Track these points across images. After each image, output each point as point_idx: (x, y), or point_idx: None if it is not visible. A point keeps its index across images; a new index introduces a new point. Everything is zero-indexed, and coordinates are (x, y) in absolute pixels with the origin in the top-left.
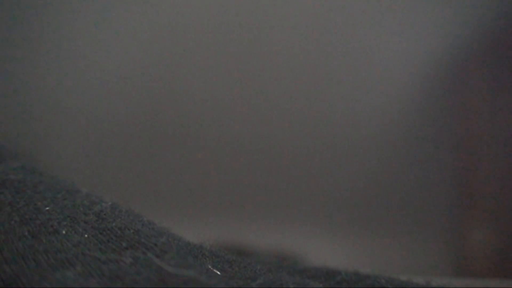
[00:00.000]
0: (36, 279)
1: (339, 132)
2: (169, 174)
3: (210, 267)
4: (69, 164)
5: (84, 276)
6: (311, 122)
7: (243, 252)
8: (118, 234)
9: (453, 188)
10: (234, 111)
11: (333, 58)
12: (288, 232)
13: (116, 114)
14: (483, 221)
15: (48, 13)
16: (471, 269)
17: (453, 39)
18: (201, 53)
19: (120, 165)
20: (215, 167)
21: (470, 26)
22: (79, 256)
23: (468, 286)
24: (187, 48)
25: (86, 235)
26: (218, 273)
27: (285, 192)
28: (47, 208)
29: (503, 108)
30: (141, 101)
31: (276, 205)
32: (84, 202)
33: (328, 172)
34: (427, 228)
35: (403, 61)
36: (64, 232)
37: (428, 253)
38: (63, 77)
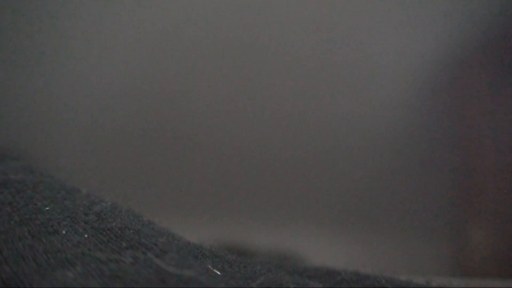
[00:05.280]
0: (36, 279)
1: (339, 132)
2: (169, 174)
3: (210, 267)
4: (69, 164)
5: (84, 276)
6: (311, 122)
7: (243, 252)
8: (118, 234)
9: (453, 188)
10: (234, 111)
11: (333, 58)
12: (288, 232)
13: (116, 114)
14: (483, 221)
15: (48, 13)
16: (471, 269)
17: (453, 39)
18: (201, 53)
19: (120, 165)
20: (215, 167)
21: (470, 26)
22: (79, 256)
23: (468, 286)
24: (187, 48)
25: (86, 235)
26: (218, 273)
27: (285, 192)
28: (47, 208)
29: (503, 108)
30: (141, 101)
31: (276, 205)
32: (84, 202)
33: (328, 172)
34: (427, 228)
35: (403, 61)
36: (64, 232)
37: (428, 253)
38: (63, 77)
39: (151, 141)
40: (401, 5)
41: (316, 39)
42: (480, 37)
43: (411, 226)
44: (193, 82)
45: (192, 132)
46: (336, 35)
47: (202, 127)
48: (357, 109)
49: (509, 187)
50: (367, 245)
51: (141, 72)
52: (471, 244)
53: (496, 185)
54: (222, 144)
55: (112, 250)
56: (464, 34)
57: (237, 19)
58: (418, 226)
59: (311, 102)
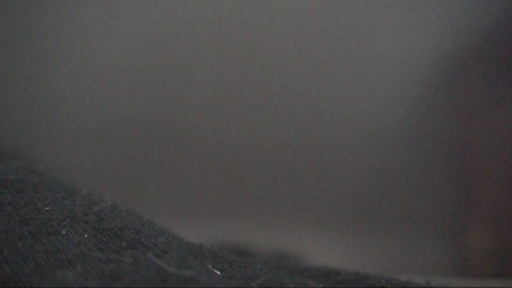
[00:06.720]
0: (36, 279)
1: (339, 132)
2: (169, 174)
3: (210, 267)
4: (69, 164)
5: (84, 276)
6: (311, 122)
7: (243, 252)
8: (118, 234)
9: (453, 188)
10: (234, 112)
11: (332, 58)
12: (288, 232)
13: (116, 114)
14: (483, 221)
15: (48, 13)
16: (471, 269)
17: (453, 39)
18: (201, 53)
19: (120, 165)
20: (215, 167)
21: (470, 26)
22: (79, 256)
23: (468, 286)
24: (187, 48)
25: (86, 235)
26: (218, 273)
27: (285, 192)
28: (47, 208)
29: (503, 108)
30: (141, 101)
31: (276, 205)
32: (84, 202)
33: (328, 172)
34: (427, 228)
35: (403, 61)
36: (64, 232)
37: (428, 253)
38: (63, 77)
39: (151, 141)
40: (401, 5)
41: (316, 39)
42: (480, 37)
43: (411, 226)
44: (193, 82)
45: (192, 132)
46: (336, 35)
47: (202, 127)
48: (357, 109)
49: (509, 187)
50: (367, 245)
51: (142, 72)
52: (471, 244)
53: (496, 185)
54: (223, 144)
55: (112, 250)
56: (464, 34)
57: (237, 18)
58: (418, 226)
59: (310, 102)
